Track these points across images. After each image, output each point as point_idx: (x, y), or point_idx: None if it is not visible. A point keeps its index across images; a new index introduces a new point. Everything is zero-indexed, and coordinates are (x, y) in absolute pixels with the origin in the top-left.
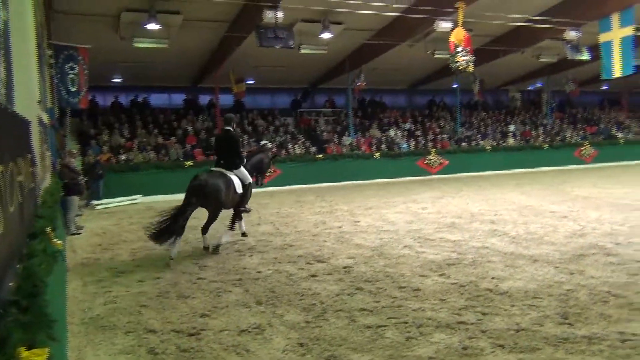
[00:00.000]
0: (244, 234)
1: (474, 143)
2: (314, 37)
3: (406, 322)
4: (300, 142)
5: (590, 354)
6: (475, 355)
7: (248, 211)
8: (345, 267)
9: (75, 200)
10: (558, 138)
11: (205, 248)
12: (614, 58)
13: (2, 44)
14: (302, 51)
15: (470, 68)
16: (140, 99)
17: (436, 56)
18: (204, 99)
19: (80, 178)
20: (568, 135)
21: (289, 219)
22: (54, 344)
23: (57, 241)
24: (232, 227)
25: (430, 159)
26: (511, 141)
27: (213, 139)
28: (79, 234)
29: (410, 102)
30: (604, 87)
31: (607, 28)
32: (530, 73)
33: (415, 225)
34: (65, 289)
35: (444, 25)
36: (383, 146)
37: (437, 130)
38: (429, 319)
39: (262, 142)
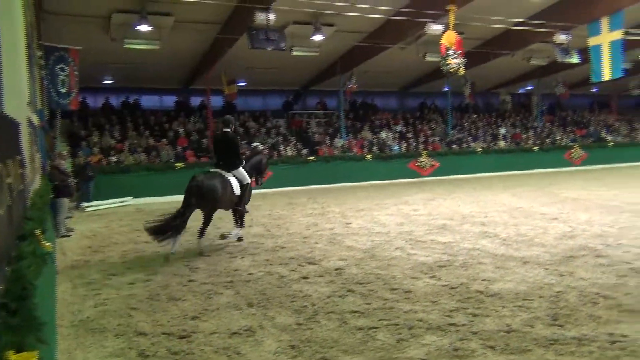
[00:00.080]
0: (239, 239)
1: (465, 145)
2: (306, 39)
3: (397, 324)
4: (291, 144)
5: (579, 355)
6: (466, 357)
7: (245, 212)
8: (336, 269)
9: (65, 202)
10: (548, 141)
11: (200, 253)
12: (603, 61)
13: None
14: (294, 53)
15: (462, 71)
16: (131, 101)
17: (427, 59)
18: (196, 101)
19: (70, 180)
20: (558, 137)
21: (281, 220)
22: (43, 346)
23: (46, 243)
24: (242, 224)
25: (422, 161)
26: (502, 144)
27: (205, 140)
28: (68, 236)
29: (401, 105)
30: (594, 90)
31: (597, 32)
32: (521, 76)
33: (407, 227)
34: (54, 291)
35: (435, 28)
36: (374, 148)
37: (429, 132)
38: (420, 320)
39: (254, 144)
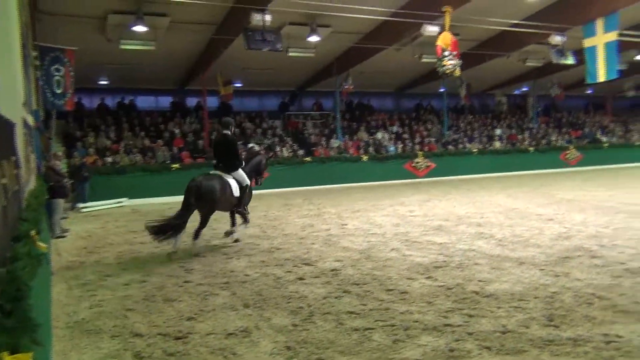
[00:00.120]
0: (236, 240)
1: (460, 146)
2: (302, 40)
3: (393, 325)
4: (288, 144)
5: (575, 355)
6: (462, 358)
7: (246, 213)
8: (332, 270)
9: (61, 203)
10: (543, 142)
11: (195, 254)
12: (598, 63)
13: None
14: (290, 54)
15: (457, 72)
16: (126, 101)
17: (423, 60)
18: (192, 102)
19: (66, 181)
20: (553, 139)
21: (277, 222)
22: (38, 348)
23: (41, 244)
24: (247, 220)
25: (418, 162)
26: (497, 145)
27: (201, 141)
28: (64, 237)
29: (397, 106)
30: (589, 92)
31: (592, 33)
32: (516, 77)
33: (403, 228)
34: (49, 292)
35: (431, 29)
36: (371, 149)
37: (425, 133)
38: (416, 321)
39: (250, 145)
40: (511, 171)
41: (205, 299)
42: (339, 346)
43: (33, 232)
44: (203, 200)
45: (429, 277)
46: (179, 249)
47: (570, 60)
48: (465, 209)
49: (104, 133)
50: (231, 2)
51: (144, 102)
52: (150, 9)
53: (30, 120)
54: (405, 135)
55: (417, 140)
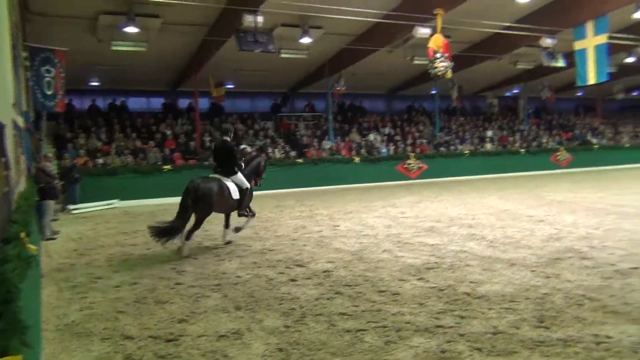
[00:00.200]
0: (228, 242)
1: (452, 148)
2: (294, 41)
3: (385, 326)
4: (280, 146)
5: (565, 356)
6: (454, 359)
7: (247, 215)
8: (324, 272)
9: (51, 204)
10: (534, 143)
11: (186, 256)
12: (588, 65)
13: None
14: (282, 55)
15: (449, 74)
16: (118, 103)
17: (415, 62)
18: (183, 103)
19: (56, 182)
20: (544, 140)
21: (269, 223)
22: (28, 350)
23: (31, 246)
24: (253, 214)
25: (410, 164)
26: (489, 146)
27: (193, 142)
28: (54, 239)
29: (389, 107)
30: (579, 94)
31: (582, 36)
32: (507, 79)
33: (395, 229)
34: (39, 294)
35: (422, 31)
36: (363, 150)
37: (416, 135)
38: (408, 323)
39: (242, 146)
40: (502, 173)
41: (197, 301)
42: (331, 348)
43: (23, 234)
44: (200, 202)
45: (420, 279)
46: (185, 244)
47: (560, 63)
48: (457, 210)
49: (95, 134)
50: (223, 3)
51: (135, 103)
52: (142, 10)
53: (21, 121)
54: (397, 137)
55: (409, 141)
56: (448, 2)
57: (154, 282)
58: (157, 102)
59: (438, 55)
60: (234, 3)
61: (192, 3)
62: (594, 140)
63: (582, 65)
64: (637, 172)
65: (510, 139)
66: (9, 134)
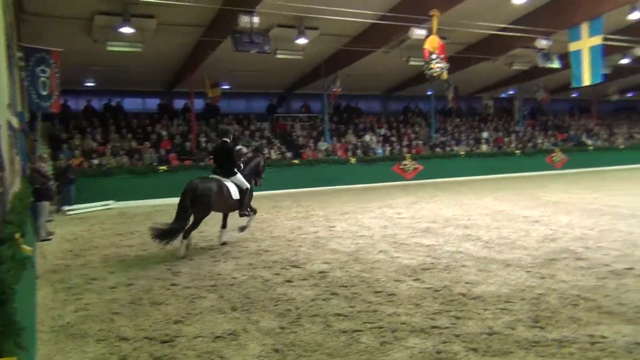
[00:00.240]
0: (224, 243)
1: (448, 149)
2: (290, 42)
3: (381, 327)
4: (276, 147)
5: (560, 356)
6: (449, 359)
7: (248, 215)
8: (320, 272)
9: (46, 205)
10: (530, 144)
11: (182, 257)
12: (583, 67)
13: None
14: (278, 56)
15: (445, 75)
16: (113, 103)
17: (411, 63)
18: (179, 104)
19: (51, 183)
20: (539, 141)
21: (265, 224)
22: (22, 352)
23: (26, 247)
24: (254, 212)
25: (405, 164)
26: (484, 147)
27: (188, 143)
28: (49, 239)
29: (385, 108)
30: (574, 95)
31: (577, 37)
32: (503, 81)
33: (390, 230)
34: (34, 296)
35: (418, 32)
36: (358, 151)
37: (412, 136)
38: (404, 323)
39: (238, 147)
40: (498, 174)
41: (193, 302)
42: (326, 348)
43: (17, 235)
44: (199, 202)
45: (416, 279)
46: (182, 244)
47: (555, 64)
48: (453, 211)
49: (90, 135)
50: (219, 4)
51: (131, 104)
52: (137, 11)
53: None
54: (393, 138)
55: (405, 142)
56: (444, 4)
57: (149, 283)
58: (152, 103)
59: (434, 56)
60: (229, 4)
61: (188, 4)
62: (589, 142)
63: (577, 67)
64: (632, 173)
65: (506, 140)
66: (4, 134)
